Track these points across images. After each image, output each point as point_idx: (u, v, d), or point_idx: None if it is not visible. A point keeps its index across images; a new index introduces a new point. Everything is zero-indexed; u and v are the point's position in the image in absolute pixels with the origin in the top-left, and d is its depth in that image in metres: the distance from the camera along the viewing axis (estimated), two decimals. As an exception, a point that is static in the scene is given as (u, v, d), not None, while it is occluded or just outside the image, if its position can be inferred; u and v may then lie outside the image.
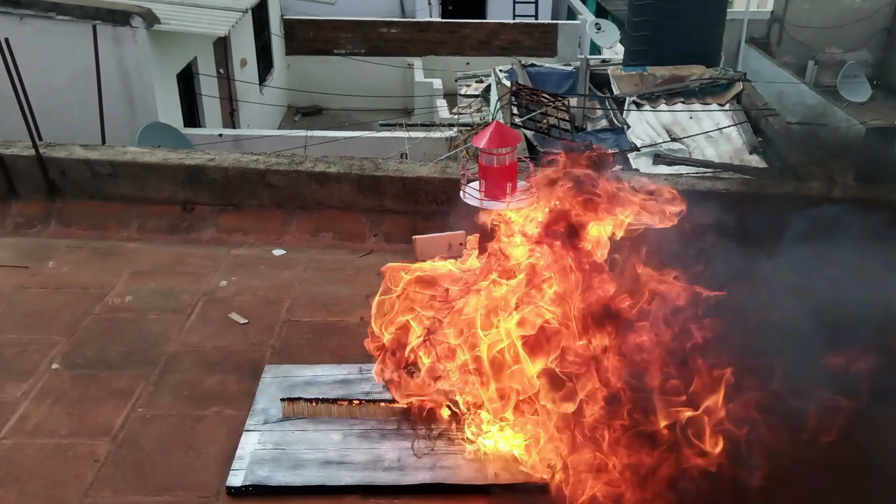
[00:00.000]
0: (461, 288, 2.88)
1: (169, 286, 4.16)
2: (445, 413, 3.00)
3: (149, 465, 2.94)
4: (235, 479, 2.81)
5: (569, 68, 12.51)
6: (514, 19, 21.00)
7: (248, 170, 4.79)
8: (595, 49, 16.46)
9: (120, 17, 10.27)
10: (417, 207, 4.72)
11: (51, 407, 3.23)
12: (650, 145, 9.85)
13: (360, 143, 11.28)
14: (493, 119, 10.75)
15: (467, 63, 18.76)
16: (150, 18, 10.39)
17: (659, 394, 2.50)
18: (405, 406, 3.04)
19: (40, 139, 5.63)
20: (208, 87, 13.01)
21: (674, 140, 10.02)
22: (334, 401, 3.08)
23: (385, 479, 2.81)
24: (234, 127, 13.96)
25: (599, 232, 2.76)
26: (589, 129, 10.70)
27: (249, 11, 14.15)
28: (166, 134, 10.26)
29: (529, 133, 9.91)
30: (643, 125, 10.49)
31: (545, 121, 10.35)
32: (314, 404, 3.07)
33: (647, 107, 10.77)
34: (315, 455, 2.90)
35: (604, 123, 10.79)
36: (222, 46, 13.62)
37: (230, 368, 3.48)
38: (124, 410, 3.21)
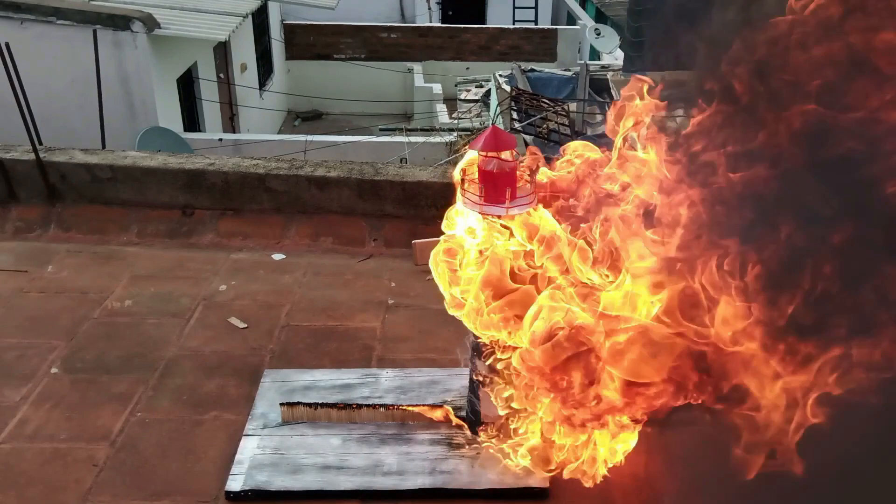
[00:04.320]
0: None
1: (168, 290, 4.15)
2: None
3: (147, 470, 2.93)
4: (234, 483, 2.80)
5: (568, 73, 12.57)
6: (513, 24, 21.05)
7: (248, 174, 4.79)
8: (595, 54, 16.46)
9: (120, 22, 10.30)
10: (417, 212, 4.72)
11: (50, 411, 3.22)
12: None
13: (360, 147, 11.31)
14: (492, 124, 10.76)
15: (467, 68, 18.81)
16: (150, 23, 10.41)
17: None
18: (405, 411, 3.04)
19: (40, 143, 5.64)
20: (208, 91, 13.04)
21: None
22: (334, 405, 3.08)
23: (384, 483, 2.80)
24: (234, 131, 14.00)
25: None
26: (589, 133, 10.73)
27: (250, 16, 14.18)
28: (166, 138, 10.30)
29: (529, 138, 9.93)
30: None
31: (545, 126, 10.37)
32: (313, 409, 3.07)
33: None
34: (314, 460, 2.89)
35: (603, 129, 10.80)
36: (222, 51, 13.66)
37: (229, 373, 3.47)
38: (123, 415, 3.21)
